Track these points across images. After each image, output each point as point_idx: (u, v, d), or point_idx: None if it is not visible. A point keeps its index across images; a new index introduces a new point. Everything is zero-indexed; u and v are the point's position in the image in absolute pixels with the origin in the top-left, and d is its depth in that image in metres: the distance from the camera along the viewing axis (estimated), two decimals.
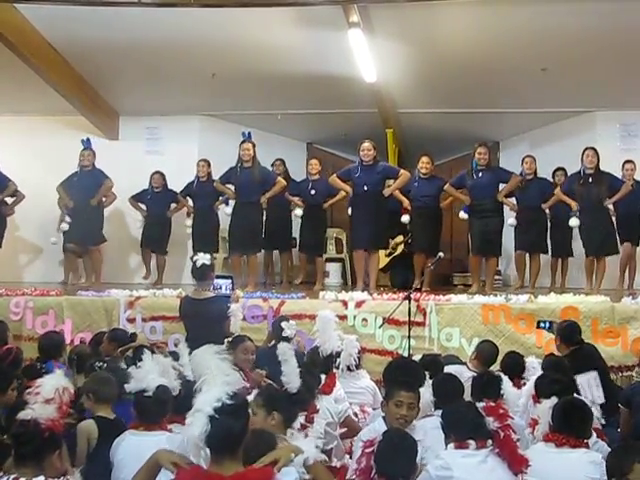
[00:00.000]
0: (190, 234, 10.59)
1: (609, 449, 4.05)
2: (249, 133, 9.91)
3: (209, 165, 10.31)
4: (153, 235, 10.70)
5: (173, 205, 10.68)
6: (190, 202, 10.61)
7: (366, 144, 9.42)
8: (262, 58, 9.61)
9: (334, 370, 5.80)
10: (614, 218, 9.53)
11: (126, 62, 9.87)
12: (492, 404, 4.29)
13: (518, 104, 10.92)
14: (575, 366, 5.81)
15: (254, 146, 9.70)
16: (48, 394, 3.70)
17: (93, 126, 11.47)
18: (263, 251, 10.46)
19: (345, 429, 5.18)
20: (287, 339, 6.37)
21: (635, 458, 3.39)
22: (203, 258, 6.86)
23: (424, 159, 9.69)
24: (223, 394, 3.09)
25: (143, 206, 10.75)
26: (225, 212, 10.20)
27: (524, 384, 5.70)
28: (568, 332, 6.45)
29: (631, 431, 5.16)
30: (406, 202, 9.67)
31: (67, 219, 10.25)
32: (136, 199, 10.77)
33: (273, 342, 6.58)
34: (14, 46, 9.27)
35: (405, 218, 9.81)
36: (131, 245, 11.42)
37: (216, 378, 3.32)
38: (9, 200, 10.37)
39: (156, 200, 10.64)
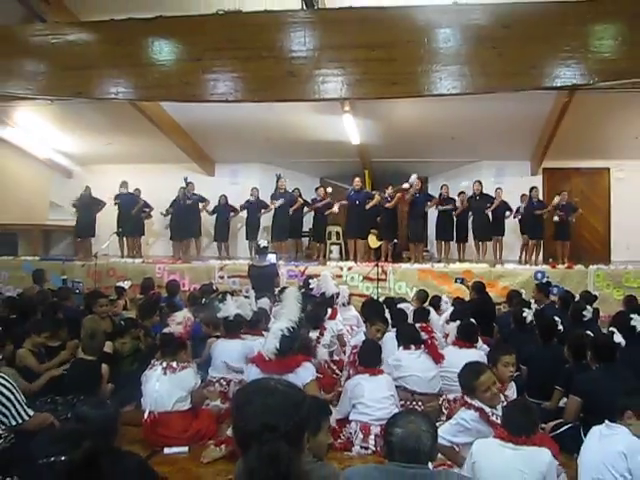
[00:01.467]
0: (238, 229, 10.71)
1: (488, 349, 4.11)
2: (280, 174, 10.08)
3: (256, 190, 10.23)
4: (220, 231, 10.56)
5: (232, 214, 10.61)
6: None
7: (357, 179, 9.54)
8: (293, 129, 9.58)
9: (335, 305, 5.84)
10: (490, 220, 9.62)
11: (219, 130, 9.80)
12: (424, 325, 4.37)
13: (439, 156, 10.80)
14: (480, 306, 5.82)
15: (284, 181, 9.95)
16: (179, 320, 3.79)
17: (200, 168, 11.42)
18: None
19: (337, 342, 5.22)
20: (311, 289, 6.46)
21: (500, 352, 3.46)
22: (262, 242, 6.93)
23: (389, 188, 9.58)
24: (286, 325, 3.21)
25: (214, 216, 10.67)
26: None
27: (442, 313, 5.80)
28: (479, 288, 6.49)
29: (499, 338, 5.24)
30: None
31: (168, 219, 10.47)
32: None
33: (302, 290, 6.62)
34: (154, 121, 9.40)
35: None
36: (205, 234, 11.06)
37: (286, 315, 3.38)
38: (147, 209, 10.39)
39: (221, 211, 10.54)
